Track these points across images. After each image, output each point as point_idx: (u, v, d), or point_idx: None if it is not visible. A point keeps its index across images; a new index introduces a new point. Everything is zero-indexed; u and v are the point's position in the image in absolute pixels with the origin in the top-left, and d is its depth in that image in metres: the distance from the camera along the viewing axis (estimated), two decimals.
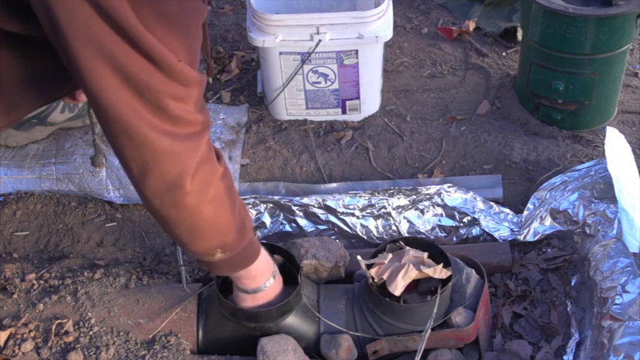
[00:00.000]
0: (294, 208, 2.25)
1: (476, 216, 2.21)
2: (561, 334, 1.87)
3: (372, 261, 1.82)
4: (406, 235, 2.19)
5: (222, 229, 1.49)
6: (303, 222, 2.25)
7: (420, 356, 1.71)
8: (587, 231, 2.05)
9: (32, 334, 1.77)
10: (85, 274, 1.97)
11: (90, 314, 1.82)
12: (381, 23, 2.40)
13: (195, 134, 1.35)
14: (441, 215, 2.23)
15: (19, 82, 1.48)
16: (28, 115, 1.98)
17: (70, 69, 1.25)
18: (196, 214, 1.41)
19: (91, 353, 1.72)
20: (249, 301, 1.74)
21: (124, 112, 1.25)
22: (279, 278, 1.78)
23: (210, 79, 2.88)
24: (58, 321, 1.79)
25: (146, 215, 2.29)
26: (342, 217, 2.23)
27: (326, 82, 2.53)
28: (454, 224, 2.22)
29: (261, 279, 1.71)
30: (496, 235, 2.17)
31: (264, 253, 1.69)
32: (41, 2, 1.18)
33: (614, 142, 2.17)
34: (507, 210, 2.22)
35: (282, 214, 2.26)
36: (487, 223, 2.19)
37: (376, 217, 2.23)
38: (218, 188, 1.43)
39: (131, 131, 1.27)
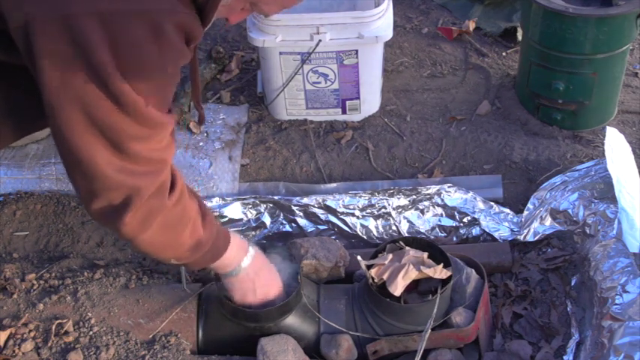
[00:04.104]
0: (294, 208, 2.25)
1: (476, 216, 2.21)
2: (561, 334, 1.87)
3: (372, 261, 1.81)
4: (406, 235, 2.19)
5: (170, 249, 1.51)
6: (303, 222, 2.25)
7: (420, 356, 1.71)
8: (587, 231, 2.05)
9: (32, 334, 1.77)
10: (85, 274, 1.97)
11: (90, 314, 1.82)
12: (381, 23, 2.40)
13: (155, 171, 1.37)
14: (441, 215, 2.23)
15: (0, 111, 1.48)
16: (6, 146, 2.00)
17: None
18: (137, 241, 1.44)
19: (91, 353, 1.72)
20: (233, 283, 1.72)
21: (81, 146, 1.27)
22: (258, 256, 1.75)
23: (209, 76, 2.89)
24: (58, 321, 1.79)
25: None
26: (342, 217, 2.23)
27: (326, 82, 2.53)
28: (454, 224, 2.22)
29: (232, 264, 1.68)
30: (496, 235, 2.17)
31: (234, 243, 1.66)
32: (22, 31, 1.19)
33: (614, 142, 2.17)
34: (507, 210, 2.22)
35: (282, 214, 2.26)
36: (487, 223, 2.19)
37: (376, 217, 2.23)
38: (166, 218, 1.43)
39: (85, 165, 1.29)
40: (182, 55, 1.32)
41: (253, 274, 1.72)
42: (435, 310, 1.73)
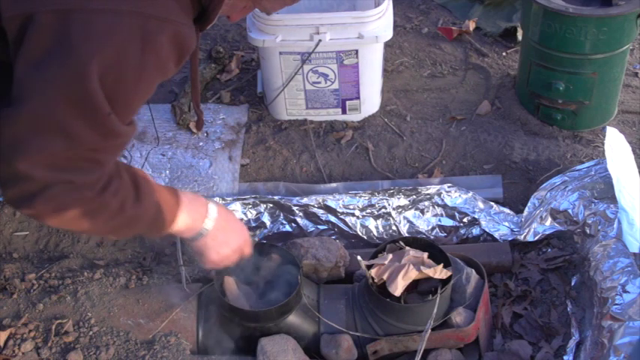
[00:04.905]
0: (294, 208, 2.25)
1: (476, 216, 2.21)
2: (561, 334, 1.87)
3: (372, 261, 1.81)
4: (406, 235, 2.19)
5: (92, 232, 1.43)
6: (303, 222, 2.25)
7: (420, 356, 1.71)
8: (587, 231, 2.05)
9: (32, 334, 1.77)
10: (85, 274, 1.97)
11: (90, 314, 1.82)
12: (381, 23, 2.40)
13: (87, 171, 1.27)
14: (441, 215, 2.23)
15: None
16: None
17: None
18: (42, 221, 1.34)
19: (91, 353, 1.72)
20: (201, 246, 1.61)
21: (31, 137, 1.19)
22: (221, 211, 1.62)
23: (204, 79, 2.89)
24: (58, 321, 1.79)
25: None
26: (342, 217, 2.23)
27: (326, 82, 2.53)
28: (454, 224, 2.22)
29: (193, 229, 1.57)
30: (496, 235, 2.17)
31: (188, 209, 1.54)
32: (15, 24, 1.17)
33: (614, 142, 2.17)
34: (507, 210, 2.22)
35: (282, 214, 2.26)
36: (487, 223, 2.19)
37: (376, 217, 2.23)
38: (82, 209, 1.32)
39: (21, 155, 1.20)
40: (164, 70, 1.26)
41: (220, 232, 1.61)
42: (435, 310, 1.73)
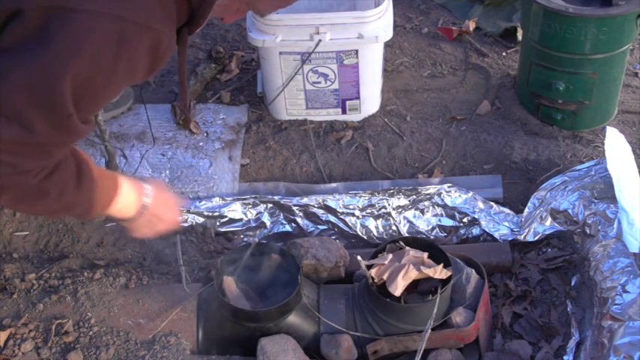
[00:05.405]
0: (294, 208, 2.25)
1: (476, 216, 2.21)
2: (561, 334, 1.87)
3: (372, 261, 1.81)
4: (406, 235, 2.19)
5: (27, 212, 1.52)
6: (303, 222, 2.25)
7: (420, 356, 1.71)
8: (587, 231, 2.05)
9: (32, 334, 1.77)
10: (85, 274, 1.97)
11: (90, 314, 1.82)
12: (381, 23, 2.40)
13: (37, 158, 1.27)
14: (441, 215, 2.23)
15: None
16: None
17: None
18: None
19: (91, 353, 1.72)
20: (139, 225, 1.61)
21: None
22: (157, 192, 1.61)
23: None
24: (58, 321, 1.79)
25: None
26: (342, 217, 2.23)
27: (326, 82, 2.53)
28: (454, 224, 2.22)
29: (129, 212, 1.57)
30: (496, 235, 2.17)
31: (124, 193, 1.53)
32: (4, 18, 1.16)
33: (614, 142, 2.17)
34: (507, 210, 2.22)
35: (282, 214, 2.26)
36: (487, 223, 2.19)
37: (376, 217, 2.23)
38: (20, 193, 1.31)
39: None
40: (133, 77, 1.26)
41: (156, 210, 1.61)
42: (435, 310, 1.73)
